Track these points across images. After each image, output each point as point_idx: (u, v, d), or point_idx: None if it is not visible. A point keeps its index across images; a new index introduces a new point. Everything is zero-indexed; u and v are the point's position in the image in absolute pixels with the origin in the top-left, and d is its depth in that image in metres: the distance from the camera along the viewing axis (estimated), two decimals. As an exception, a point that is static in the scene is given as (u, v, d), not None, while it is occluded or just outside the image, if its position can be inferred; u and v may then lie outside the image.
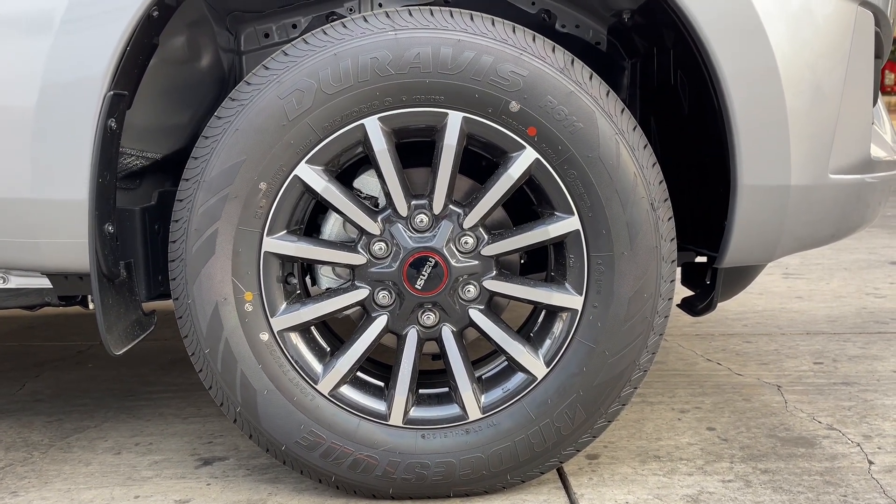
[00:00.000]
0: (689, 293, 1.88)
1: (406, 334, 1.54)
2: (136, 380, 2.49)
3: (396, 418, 1.54)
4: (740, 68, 1.44)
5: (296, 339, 1.54)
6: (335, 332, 1.76)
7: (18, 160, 1.43)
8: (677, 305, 1.80)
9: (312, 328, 1.59)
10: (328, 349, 1.60)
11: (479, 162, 1.67)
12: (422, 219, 1.50)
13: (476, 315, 1.54)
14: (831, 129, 1.53)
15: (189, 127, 1.84)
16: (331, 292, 1.55)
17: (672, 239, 1.50)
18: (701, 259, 1.85)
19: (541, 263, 1.75)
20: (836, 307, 3.28)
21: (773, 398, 2.15)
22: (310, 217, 1.61)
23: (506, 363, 1.60)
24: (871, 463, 1.72)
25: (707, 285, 1.75)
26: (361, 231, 1.51)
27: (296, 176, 1.46)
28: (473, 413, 1.54)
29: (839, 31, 1.53)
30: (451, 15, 1.43)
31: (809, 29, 1.48)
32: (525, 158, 1.46)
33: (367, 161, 1.56)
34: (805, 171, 1.51)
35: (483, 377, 1.61)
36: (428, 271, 1.50)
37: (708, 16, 1.44)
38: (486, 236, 1.52)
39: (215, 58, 1.81)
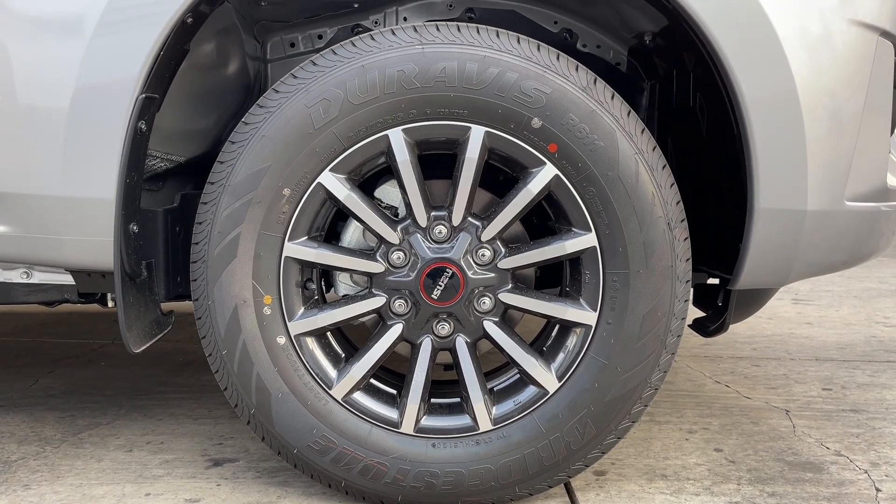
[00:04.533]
0: (700, 314, 1.89)
1: (420, 343, 1.56)
2: (148, 379, 2.51)
3: (408, 426, 1.56)
4: (761, 93, 1.46)
5: (312, 344, 1.56)
6: (350, 339, 1.78)
7: (49, 158, 1.46)
8: (689, 326, 1.81)
9: (328, 334, 1.61)
10: (343, 355, 1.62)
11: (497, 176, 1.69)
12: (440, 230, 1.53)
13: (490, 327, 1.55)
14: (849, 156, 1.55)
15: (213, 131, 1.87)
16: (348, 299, 1.57)
17: (687, 259, 1.51)
18: (713, 280, 1.86)
19: (554, 278, 1.77)
20: (846, 334, 3.28)
21: (782, 422, 2.15)
22: (330, 224, 1.63)
23: (518, 376, 1.61)
24: (878, 490, 1.72)
25: (719, 307, 1.76)
26: (381, 240, 1.53)
27: (319, 183, 1.48)
28: (484, 424, 1.55)
29: (859, 59, 1.54)
30: (478, 31, 1.46)
31: (830, 56, 1.50)
32: (545, 174, 1.48)
33: (388, 171, 1.58)
34: (821, 197, 1.53)
35: (495, 389, 1.62)
36: (445, 282, 1.52)
37: (730, 40, 1.45)
38: (503, 249, 1.54)
39: (242, 65, 1.85)
